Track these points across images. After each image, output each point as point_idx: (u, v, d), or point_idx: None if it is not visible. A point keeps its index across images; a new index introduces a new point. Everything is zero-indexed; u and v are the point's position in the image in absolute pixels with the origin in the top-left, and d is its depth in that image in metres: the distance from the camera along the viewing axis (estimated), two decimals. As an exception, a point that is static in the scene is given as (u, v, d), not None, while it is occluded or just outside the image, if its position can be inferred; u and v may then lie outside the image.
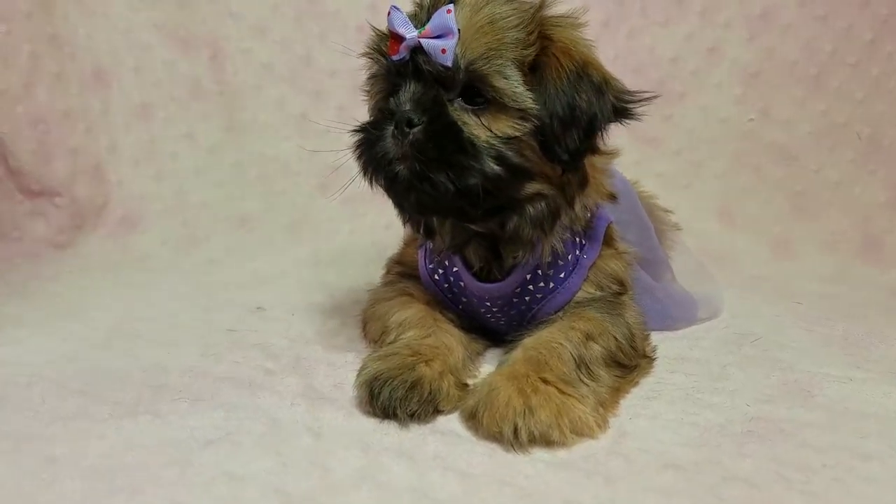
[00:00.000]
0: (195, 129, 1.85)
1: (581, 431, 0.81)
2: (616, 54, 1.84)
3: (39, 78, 1.75)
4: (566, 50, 0.91)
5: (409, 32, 0.88)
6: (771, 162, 1.84)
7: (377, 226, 1.80)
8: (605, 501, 0.71)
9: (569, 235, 1.00)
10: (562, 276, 1.03)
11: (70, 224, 1.75)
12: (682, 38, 1.85)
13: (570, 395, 0.84)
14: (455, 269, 1.05)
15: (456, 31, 0.86)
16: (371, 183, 0.96)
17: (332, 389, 0.96)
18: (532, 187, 0.93)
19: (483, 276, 1.03)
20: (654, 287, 1.21)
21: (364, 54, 0.98)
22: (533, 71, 0.89)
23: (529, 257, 0.98)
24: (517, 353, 0.92)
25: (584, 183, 0.97)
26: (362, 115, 1.96)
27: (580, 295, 1.03)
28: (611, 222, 1.09)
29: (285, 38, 1.83)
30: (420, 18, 0.90)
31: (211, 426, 0.84)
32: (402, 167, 0.89)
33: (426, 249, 1.10)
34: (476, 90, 0.89)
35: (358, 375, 0.91)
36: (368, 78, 1.01)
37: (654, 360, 1.06)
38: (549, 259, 1.00)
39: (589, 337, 0.95)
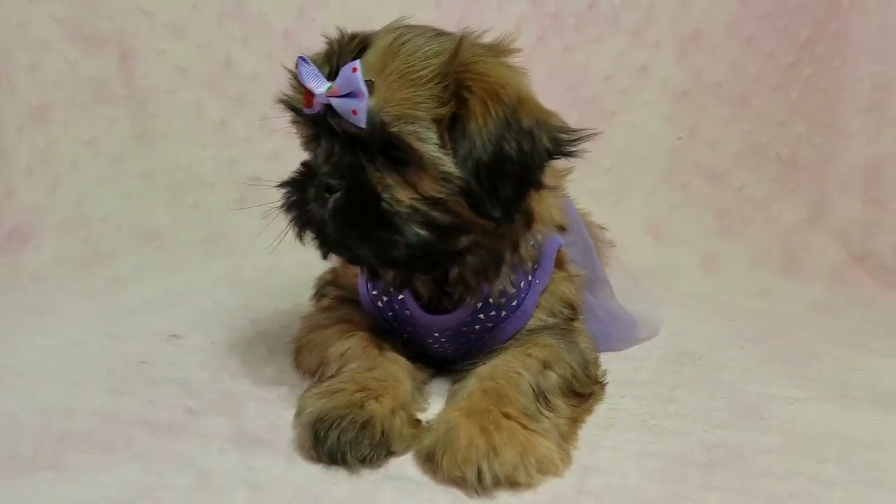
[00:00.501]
0: (99, 135, 1.69)
1: (546, 470, 0.76)
2: (550, 69, 1.82)
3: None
4: (493, 93, 0.82)
5: (319, 87, 0.82)
6: (698, 179, 1.87)
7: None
8: (584, 549, 0.66)
9: (515, 275, 0.95)
10: (514, 303, 0.98)
11: (-51, 239, 1.55)
12: (614, 56, 1.86)
13: (533, 430, 0.78)
14: (400, 296, 0.99)
15: (365, 90, 0.79)
16: (301, 239, 0.90)
17: (267, 431, 0.86)
18: (467, 239, 0.87)
19: (432, 307, 0.97)
20: (595, 306, 1.18)
21: (280, 101, 0.91)
22: (453, 125, 0.82)
23: (478, 296, 0.94)
24: (472, 383, 0.86)
25: (529, 222, 0.92)
26: (284, 123, 1.86)
27: (532, 322, 0.98)
28: (561, 245, 1.04)
29: (204, 40, 1.70)
30: (329, 68, 0.83)
31: (127, 482, 0.72)
32: (329, 228, 0.84)
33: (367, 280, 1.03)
34: (395, 151, 0.83)
35: (298, 415, 0.82)
36: (291, 122, 0.95)
37: (605, 385, 1.02)
38: (498, 292, 0.95)
39: (546, 365, 0.90)
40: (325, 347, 0.95)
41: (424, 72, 0.81)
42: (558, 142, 0.85)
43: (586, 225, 1.34)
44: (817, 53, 1.82)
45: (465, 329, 0.98)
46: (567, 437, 0.84)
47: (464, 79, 0.82)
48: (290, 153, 1.73)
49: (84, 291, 1.46)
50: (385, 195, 0.83)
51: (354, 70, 0.79)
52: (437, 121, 0.81)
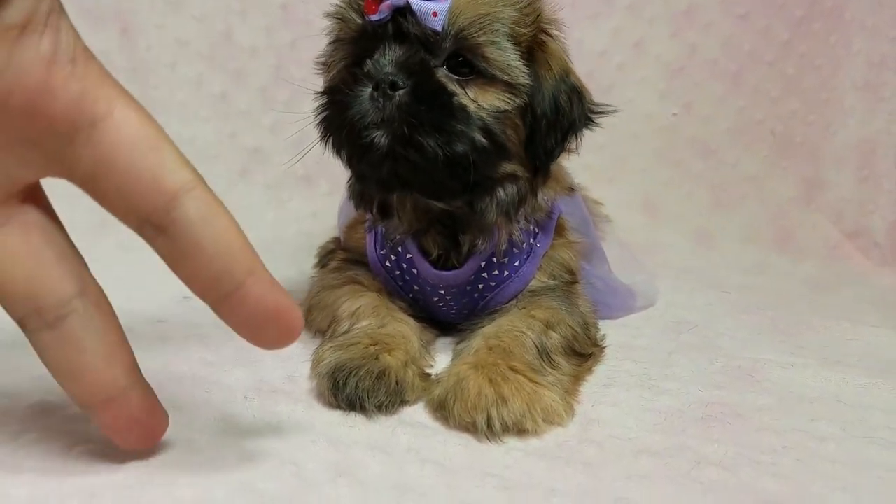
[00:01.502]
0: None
1: (552, 419, 0.78)
2: (546, 45, 1.83)
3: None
4: (555, 51, 0.91)
5: None
6: (692, 156, 1.90)
7: (302, 213, 1.72)
8: (590, 490, 0.68)
9: (527, 225, 0.98)
10: (516, 264, 1.00)
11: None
12: (609, 33, 1.87)
13: (539, 382, 0.81)
14: (409, 255, 1.00)
15: None
16: (337, 150, 0.89)
17: (285, 382, 0.89)
18: (508, 167, 0.91)
19: (439, 264, 0.99)
20: (593, 276, 1.21)
21: (331, 14, 0.90)
22: (526, 56, 0.87)
23: (488, 245, 0.96)
24: (477, 341, 0.88)
25: (546, 179, 0.97)
26: (285, 95, 1.85)
27: (533, 284, 1.01)
28: (561, 213, 1.08)
29: (204, 13, 1.70)
30: None
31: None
32: (379, 133, 0.82)
33: (376, 234, 1.04)
34: (462, 60, 0.85)
35: (315, 366, 0.85)
36: (330, 43, 0.93)
37: (604, 348, 1.05)
38: (504, 247, 0.97)
39: (548, 326, 0.92)
40: (336, 307, 0.97)
41: None
42: (592, 110, 0.95)
43: (583, 199, 1.38)
44: (813, 30, 1.85)
45: (469, 288, 1.00)
46: (570, 392, 0.86)
47: (542, 22, 0.89)
48: (290, 124, 1.75)
49: (93, 259, 1.46)
50: (455, 94, 0.84)
51: None
52: (513, 40, 0.85)
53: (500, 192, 0.92)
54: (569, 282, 1.05)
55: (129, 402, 0.61)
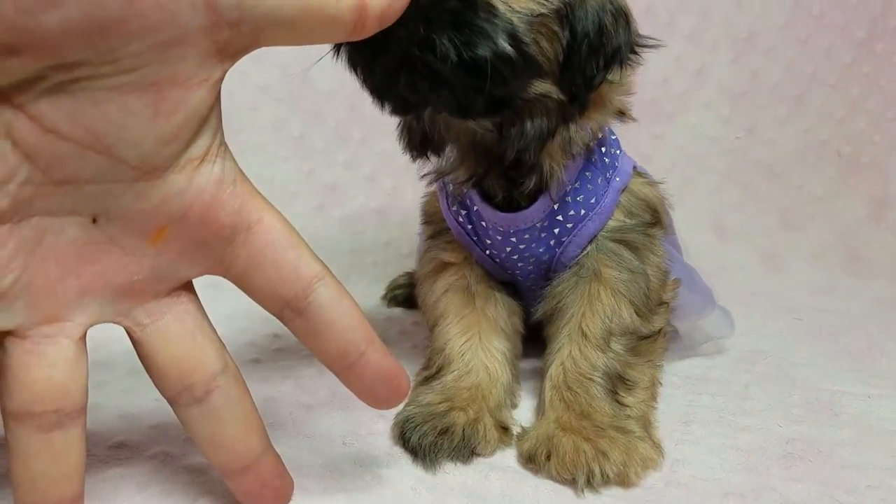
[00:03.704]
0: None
1: (649, 466, 0.82)
2: (608, 74, 1.88)
3: None
4: None
5: None
6: (758, 178, 1.91)
7: (377, 243, 1.80)
8: (685, 534, 0.72)
9: (565, 158, 0.91)
10: (592, 201, 0.95)
11: None
12: (671, 60, 1.90)
13: (628, 431, 0.85)
14: (476, 207, 0.98)
15: None
16: (350, 60, 0.77)
17: (380, 421, 0.96)
18: (541, 86, 0.80)
19: (506, 208, 0.96)
20: (677, 260, 1.12)
21: None
22: None
23: (546, 182, 0.91)
24: (548, 390, 0.93)
25: (585, 106, 0.87)
26: (359, 133, 1.94)
27: (611, 224, 0.96)
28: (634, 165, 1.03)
29: (283, 61, 1.81)
30: None
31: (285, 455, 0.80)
32: (397, 34, 0.68)
33: (447, 195, 1.03)
34: None
35: (397, 413, 0.92)
36: None
37: (671, 307, 1.06)
38: (563, 180, 0.91)
39: (607, 340, 0.94)
40: (431, 319, 1.04)
41: None
42: (636, 41, 0.85)
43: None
44: (876, 51, 1.84)
45: (543, 234, 0.97)
46: (647, 416, 0.91)
47: None
48: (365, 160, 1.84)
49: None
50: None
51: None
52: None
53: (529, 121, 0.82)
54: (649, 223, 0.99)
55: (262, 468, 0.70)
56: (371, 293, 1.56)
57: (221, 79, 0.60)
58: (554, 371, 0.95)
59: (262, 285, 0.65)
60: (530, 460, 0.84)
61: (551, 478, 0.82)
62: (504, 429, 0.91)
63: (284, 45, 0.61)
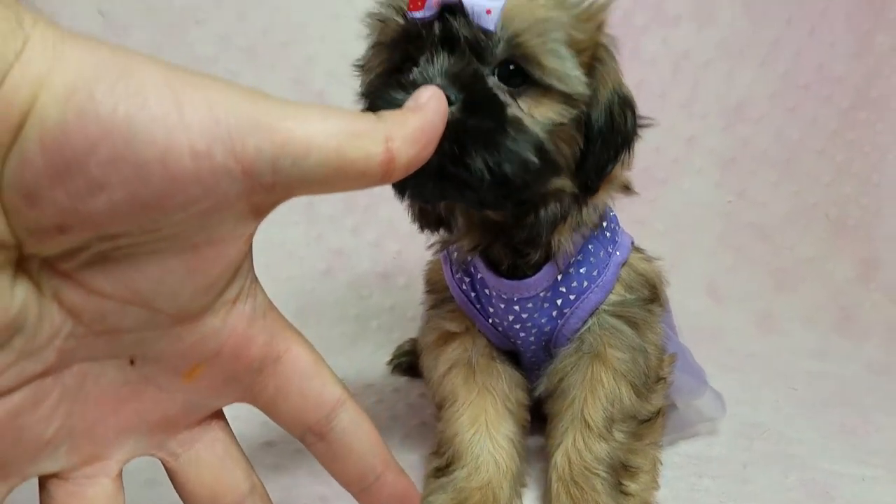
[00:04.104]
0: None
1: None
2: (603, 143, 1.94)
3: None
4: (610, 61, 0.84)
5: None
6: (750, 240, 1.97)
7: (382, 308, 1.83)
8: None
9: (573, 234, 0.93)
10: (595, 273, 0.97)
11: None
12: (664, 129, 1.96)
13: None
14: (480, 275, 1.00)
15: None
16: None
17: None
18: (557, 183, 0.83)
19: (511, 276, 0.98)
20: (672, 339, 1.16)
21: (371, 14, 0.81)
22: (586, 66, 0.79)
23: (554, 254, 0.93)
24: (556, 486, 0.96)
25: (595, 192, 0.90)
26: (365, 200, 1.98)
27: (612, 297, 0.98)
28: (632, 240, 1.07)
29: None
30: None
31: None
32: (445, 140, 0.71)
33: (450, 262, 1.05)
34: (515, 68, 0.76)
35: None
36: (370, 48, 0.84)
37: (668, 383, 1.08)
38: (569, 252, 0.93)
39: (607, 428, 0.97)
40: (437, 397, 1.06)
41: None
42: (639, 123, 0.88)
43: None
44: (860, 119, 1.92)
45: (546, 305, 0.99)
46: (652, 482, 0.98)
47: (603, 28, 0.82)
48: (369, 227, 1.88)
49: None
50: (508, 105, 0.75)
51: None
52: (573, 47, 0.77)
53: (544, 207, 0.85)
54: (648, 298, 1.02)
55: None
56: (376, 360, 1.60)
57: (255, 231, 0.65)
58: (559, 461, 0.98)
59: (288, 412, 0.68)
60: None
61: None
62: None
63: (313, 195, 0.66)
